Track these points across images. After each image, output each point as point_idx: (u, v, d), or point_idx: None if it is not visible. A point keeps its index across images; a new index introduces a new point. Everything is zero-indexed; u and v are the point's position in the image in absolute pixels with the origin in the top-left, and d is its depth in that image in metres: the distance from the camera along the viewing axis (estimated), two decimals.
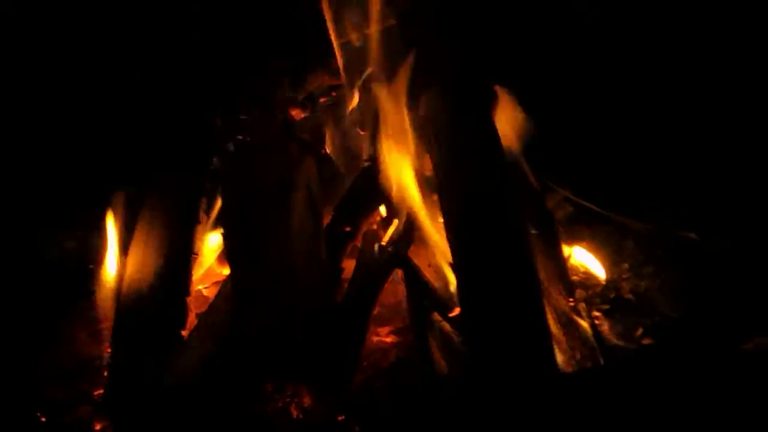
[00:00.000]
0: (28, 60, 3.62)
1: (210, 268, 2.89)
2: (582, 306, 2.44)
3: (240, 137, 2.58)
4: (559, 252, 2.57)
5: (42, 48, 3.61)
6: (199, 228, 2.70)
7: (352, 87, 2.90)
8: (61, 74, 3.63)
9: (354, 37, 2.84)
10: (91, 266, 2.89)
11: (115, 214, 2.77)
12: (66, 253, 3.15)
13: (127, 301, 2.49)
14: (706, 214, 2.78)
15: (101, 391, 2.47)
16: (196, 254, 2.67)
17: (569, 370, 2.23)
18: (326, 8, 2.70)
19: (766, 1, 3.16)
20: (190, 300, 2.57)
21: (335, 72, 2.73)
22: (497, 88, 2.39)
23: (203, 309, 2.52)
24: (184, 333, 2.43)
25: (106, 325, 2.64)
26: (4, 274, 3.03)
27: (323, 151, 2.65)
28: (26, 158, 3.54)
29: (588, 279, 2.64)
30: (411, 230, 2.61)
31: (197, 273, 2.71)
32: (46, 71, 3.63)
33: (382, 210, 2.75)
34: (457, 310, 2.33)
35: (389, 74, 2.64)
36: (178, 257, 2.58)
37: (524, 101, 2.60)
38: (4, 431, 2.43)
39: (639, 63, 3.32)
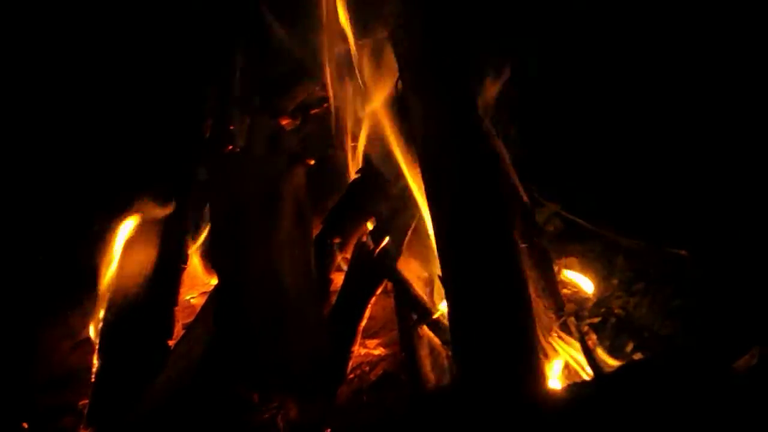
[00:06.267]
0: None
1: (197, 278, 2.88)
2: (571, 320, 2.43)
3: (229, 147, 2.59)
4: (549, 267, 2.57)
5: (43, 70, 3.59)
6: (188, 237, 2.70)
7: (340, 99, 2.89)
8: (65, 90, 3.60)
9: (343, 49, 2.83)
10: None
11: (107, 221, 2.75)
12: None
13: (115, 311, 2.48)
14: (697, 230, 2.78)
15: (86, 401, 2.45)
16: (185, 264, 2.67)
17: (558, 384, 2.23)
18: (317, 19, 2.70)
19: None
20: (177, 310, 2.56)
21: (325, 83, 2.73)
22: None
23: (191, 319, 2.50)
24: (171, 343, 2.42)
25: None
26: None
27: (312, 162, 2.64)
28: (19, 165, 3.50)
29: (577, 294, 2.64)
30: (401, 243, 2.61)
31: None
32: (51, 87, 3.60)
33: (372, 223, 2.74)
34: (439, 312, 2.32)
35: (378, 85, 2.65)
36: (167, 267, 2.57)
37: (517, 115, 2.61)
38: None
39: (630, 79, 3.33)
